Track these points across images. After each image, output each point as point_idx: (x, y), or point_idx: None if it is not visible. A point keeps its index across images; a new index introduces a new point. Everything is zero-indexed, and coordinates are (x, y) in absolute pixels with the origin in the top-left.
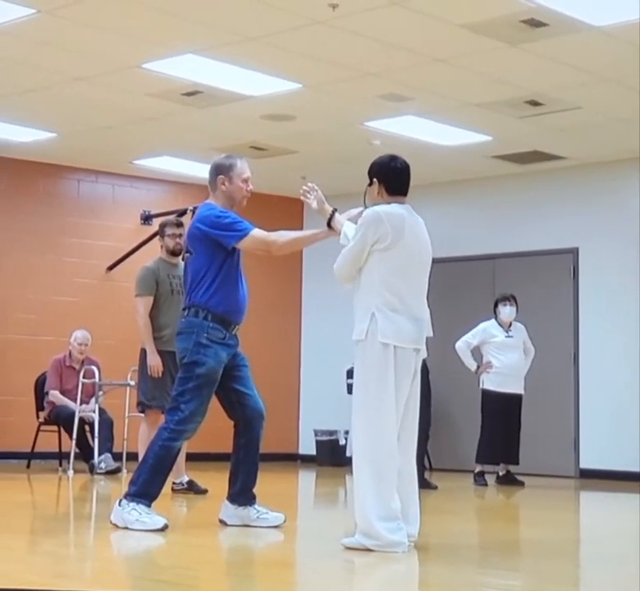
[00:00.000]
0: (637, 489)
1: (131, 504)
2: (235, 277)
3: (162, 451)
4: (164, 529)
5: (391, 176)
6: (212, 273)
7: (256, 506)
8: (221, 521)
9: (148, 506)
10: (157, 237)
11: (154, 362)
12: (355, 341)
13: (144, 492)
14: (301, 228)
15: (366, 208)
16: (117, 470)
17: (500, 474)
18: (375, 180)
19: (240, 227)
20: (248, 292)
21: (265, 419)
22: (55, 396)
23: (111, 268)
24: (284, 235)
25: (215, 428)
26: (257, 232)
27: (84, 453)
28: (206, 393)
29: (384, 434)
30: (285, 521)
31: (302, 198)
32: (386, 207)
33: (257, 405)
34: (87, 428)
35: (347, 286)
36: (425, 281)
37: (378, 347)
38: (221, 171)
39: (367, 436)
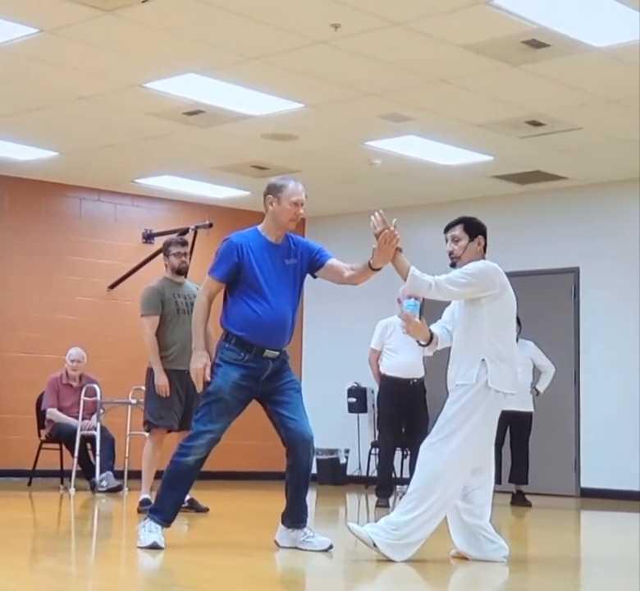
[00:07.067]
0: (638, 509)
1: (146, 519)
2: (256, 299)
3: (172, 466)
4: (153, 547)
5: (487, 236)
6: (228, 296)
7: (304, 529)
8: (275, 542)
9: (159, 522)
10: (162, 256)
11: (162, 381)
12: (460, 385)
13: (158, 506)
14: None
15: (456, 266)
16: (119, 489)
17: (514, 493)
18: (481, 237)
19: (211, 267)
20: (291, 317)
21: (311, 444)
22: (52, 413)
23: (112, 286)
24: (200, 314)
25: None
26: (207, 282)
27: (86, 471)
28: (216, 410)
29: (465, 473)
30: (331, 547)
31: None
32: (492, 263)
33: (299, 430)
34: (88, 445)
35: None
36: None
37: (485, 393)
38: (270, 190)
39: (452, 469)
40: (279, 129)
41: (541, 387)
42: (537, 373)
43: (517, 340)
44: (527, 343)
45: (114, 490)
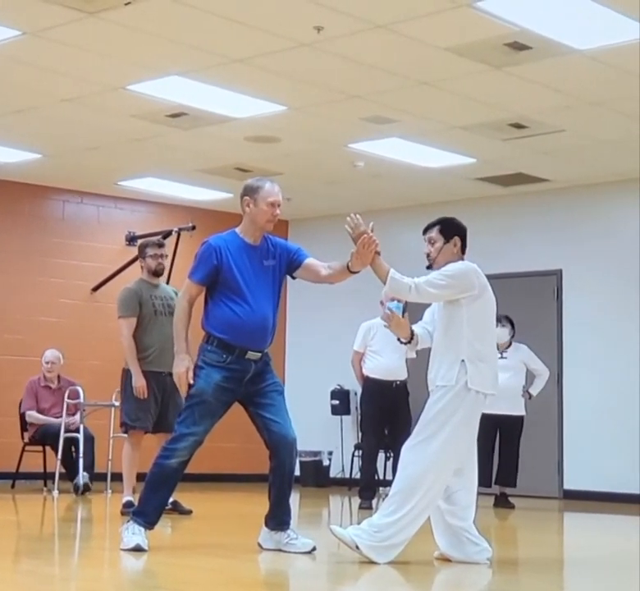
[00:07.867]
0: (621, 510)
1: (129, 522)
2: (236, 301)
3: (155, 468)
4: (136, 549)
5: (465, 236)
6: (208, 299)
7: (288, 531)
8: (259, 545)
9: (142, 524)
10: (138, 258)
11: (139, 383)
12: (440, 386)
13: (141, 509)
14: None
15: (432, 268)
16: (87, 488)
17: (498, 494)
18: (457, 238)
19: (190, 271)
20: (272, 318)
21: (294, 446)
22: (31, 416)
23: (95, 288)
24: (182, 317)
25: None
26: (186, 286)
27: (70, 473)
28: (199, 413)
29: (446, 474)
30: (314, 549)
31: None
32: (471, 264)
33: (282, 432)
34: (72, 448)
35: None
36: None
37: (465, 394)
38: (247, 192)
39: (434, 471)
40: (262, 131)
41: (535, 390)
42: (530, 376)
43: (511, 343)
44: (520, 347)
45: (84, 489)
